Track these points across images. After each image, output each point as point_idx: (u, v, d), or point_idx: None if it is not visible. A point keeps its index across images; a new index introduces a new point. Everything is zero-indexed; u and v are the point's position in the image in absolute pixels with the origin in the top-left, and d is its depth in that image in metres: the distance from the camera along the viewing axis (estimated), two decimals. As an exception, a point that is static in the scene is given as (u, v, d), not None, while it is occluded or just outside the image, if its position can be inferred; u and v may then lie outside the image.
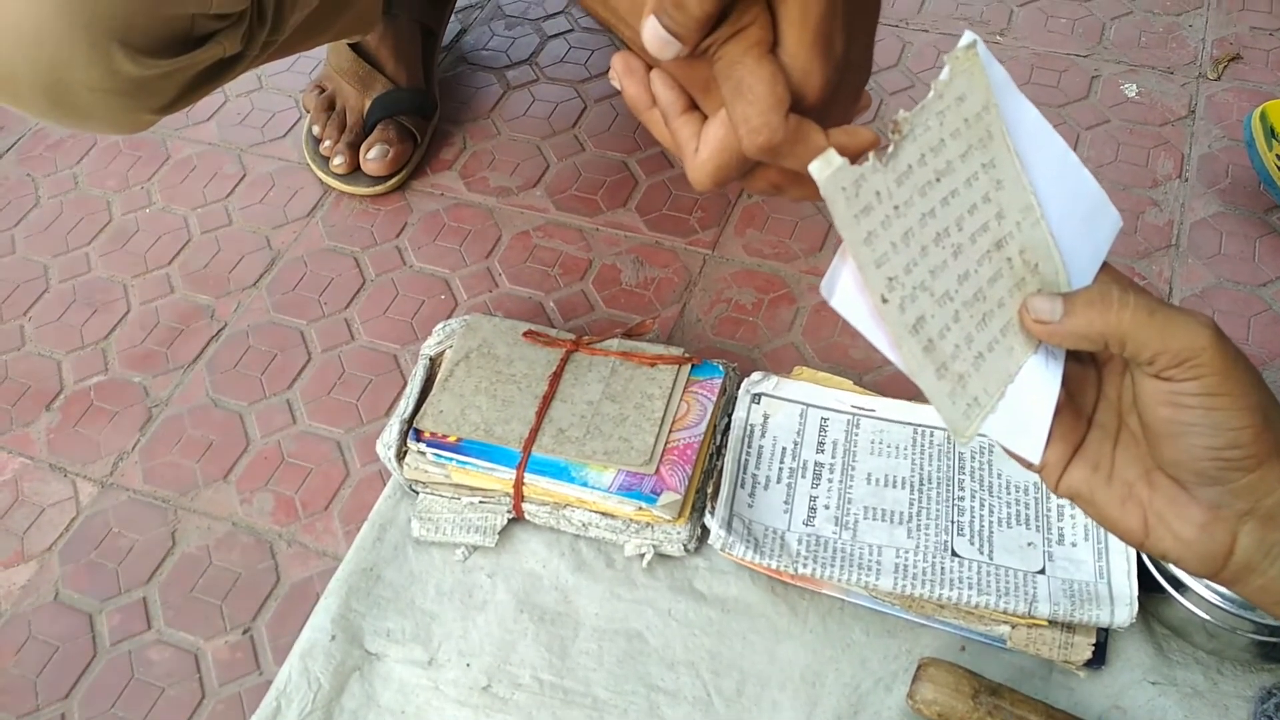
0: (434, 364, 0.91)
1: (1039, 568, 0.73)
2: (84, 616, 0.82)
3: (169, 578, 0.84)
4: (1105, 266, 0.49)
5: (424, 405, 0.86)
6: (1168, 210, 1.02)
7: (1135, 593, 0.70)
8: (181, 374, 0.97)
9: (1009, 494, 0.77)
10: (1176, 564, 0.46)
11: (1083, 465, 0.47)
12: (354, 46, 1.13)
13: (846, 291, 0.43)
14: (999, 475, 0.79)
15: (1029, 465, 0.48)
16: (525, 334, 0.90)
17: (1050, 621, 0.71)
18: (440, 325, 0.92)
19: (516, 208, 1.09)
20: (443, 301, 1.02)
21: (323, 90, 1.15)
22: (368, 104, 1.12)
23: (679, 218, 1.06)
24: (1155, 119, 1.10)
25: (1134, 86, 1.14)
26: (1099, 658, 0.71)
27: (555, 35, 1.27)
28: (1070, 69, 1.16)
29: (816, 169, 0.41)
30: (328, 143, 1.12)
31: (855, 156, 0.45)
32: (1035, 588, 0.71)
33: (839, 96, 0.48)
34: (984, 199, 0.46)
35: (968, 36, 0.45)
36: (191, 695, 0.78)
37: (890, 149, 0.43)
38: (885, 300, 0.43)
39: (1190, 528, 0.44)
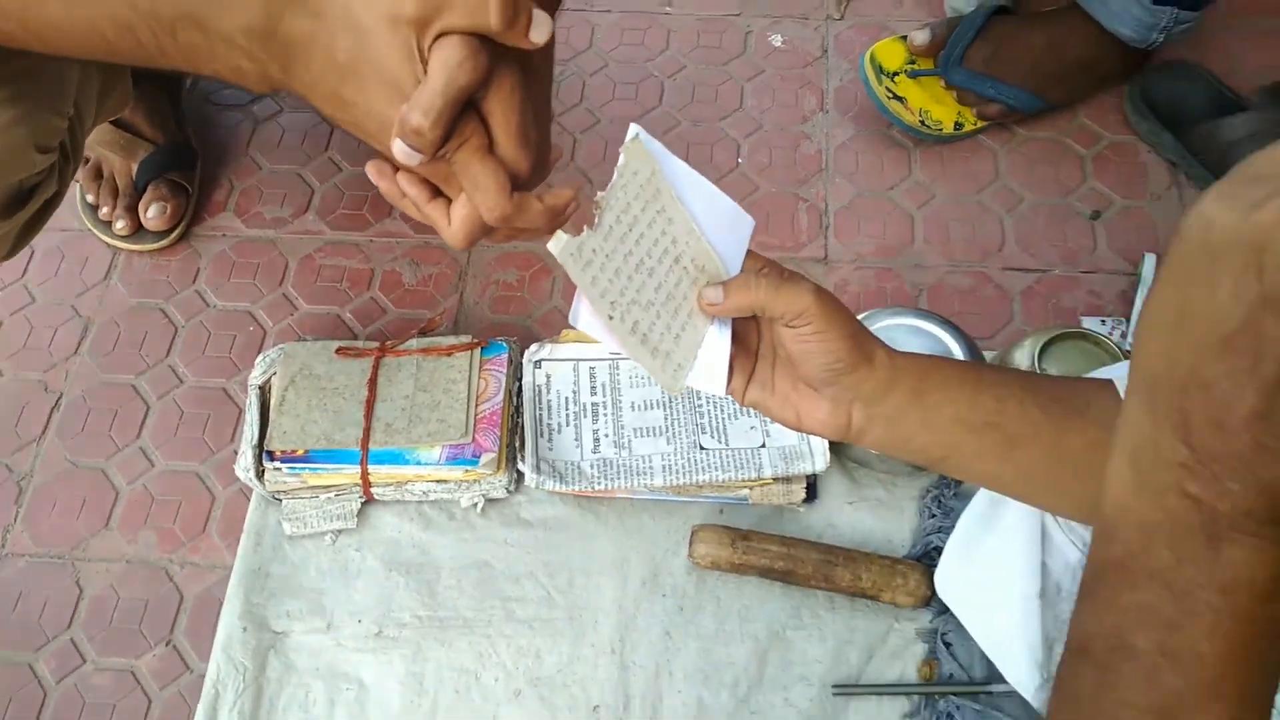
0: (264, 391, 1.08)
1: (760, 444, 1.00)
2: (24, 667, 0.98)
3: (87, 618, 1.00)
4: (750, 255, 0.73)
5: (268, 429, 1.04)
6: (817, 140, 1.30)
7: (827, 444, 0.99)
8: (35, 446, 1.11)
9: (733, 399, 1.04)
10: (819, 435, 0.73)
11: (755, 386, 0.73)
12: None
13: (586, 317, 0.66)
14: (725, 381, 1.05)
15: (722, 393, 0.72)
16: (337, 351, 1.09)
17: (774, 479, 0.99)
18: (260, 357, 1.10)
19: (295, 235, 1.25)
20: (252, 333, 1.18)
21: (88, 160, 1.26)
22: (135, 168, 1.24)
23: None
24: (799, 63, 1.37)
25: (779, 36, 1.40)
26: (811, 495, 1.00)
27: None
28: (728, 29, 1.41)
29: (552, 245, 0.63)
30: (105, 209, 1.24)
31: (562, 209, 0.66)
32: (760, 458, 0.99)
33: (539, 166, 0.70)
34: (662, 233, 0.69)
35: (632, 130, 0.67)
36: (139, 703, 0.96)
37: (596, 218, 0.65)
38: (611, 318, 0.66)
39: (822, 413, 0.70)
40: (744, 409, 1.03)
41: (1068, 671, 0.50)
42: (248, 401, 1.07)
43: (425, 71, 0.59)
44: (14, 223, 0.84)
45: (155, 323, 1.19)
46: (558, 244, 0.63)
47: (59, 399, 1.14)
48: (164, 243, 1.24)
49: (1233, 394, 0.40)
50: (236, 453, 1.05)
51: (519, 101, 0.63)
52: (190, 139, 1.30)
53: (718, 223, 0.72)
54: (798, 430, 0.73)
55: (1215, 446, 0.41)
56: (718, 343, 0.71)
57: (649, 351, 0.68)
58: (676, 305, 0.70)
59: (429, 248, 1.23)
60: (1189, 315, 0.41)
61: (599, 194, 0.65)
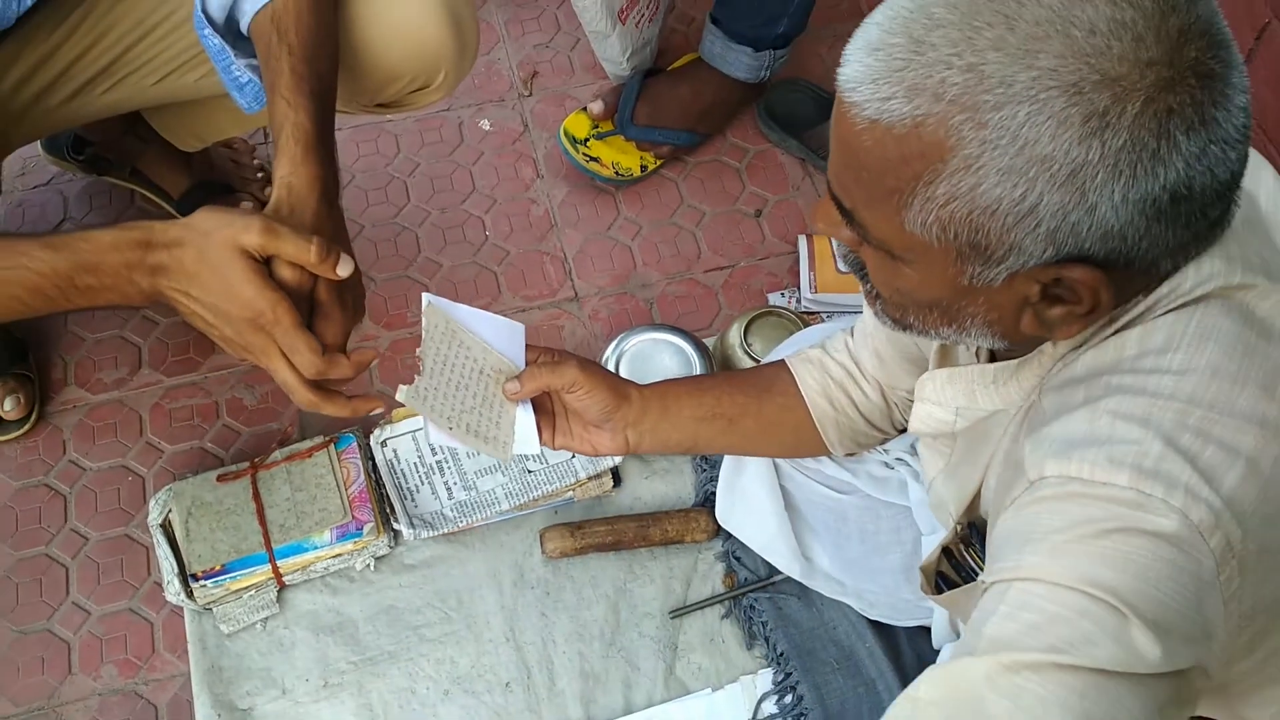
0: (166, 528, 1.32)
1: (571, 456, 1.34)
2: (48, 804, 1.20)
3: (83, 750, 1.24)
4: (529, 348, 1.05)
5: (184, 557, 1.28)
6: (542, 203, 1.63)
7: (618, 444, 1.34)
8: (-23, 630, 1.31)
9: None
10: (611, 456, 1.07)
11: (559, 436, 1.05)
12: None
13: (433, 434, 0.96)
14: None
15: (538, 451, 1.05)
16: (218, 479, 1.34)
17: (588, 478, 1.33)
18: (152, 501, 1.33)
19: (137, 390, 1.47)
20: (131, 482, 1.41)
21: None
22: (-26, 373, 1.43)
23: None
24: (508, 140, 1.69)
25: (486, 121, 1.72)
26: (617, 481, 1.35)
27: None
28: (443, 123, 1.71)
29: (399, 395, 0.92)
30: (-38, 416, 1.42)
31: (367, 364, 0.96)
32: (575, 466, 1.33)
33: (346, 328, 0.98)
34: (466, 359, 1.00)
35: (425, 298, 0.97)
36: (155, 798, 1.21)
37: (421, 367, 0.95)
38: (451, 429, 0.96)
39: (608, 442, 1.04)
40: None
41: None
42: (154, 540, 1.31)
43: (258, 267, 0.88)
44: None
45: (43, 497, 1.40)
46: (403, 393, 0.93)
47: (-17, 586, 1.33)
48: (25, 428, 1.43)
49: None
50: (158, 584, 1.29)
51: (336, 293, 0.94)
52: (11, 332, 1.49)
53: (500, 337, 1.03)
54: (595, 456, 1.08)
55: None
56: (525, 418, 1.03)
57: (483, 441, 0.99)
58: (490, 402, 1.00)
59: (260, 371, 1.48)
60: None
61: (418, 350, 0.95)
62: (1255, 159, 0.73)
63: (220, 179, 1.57)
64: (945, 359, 0.84)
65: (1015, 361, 0.74)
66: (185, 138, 1.45)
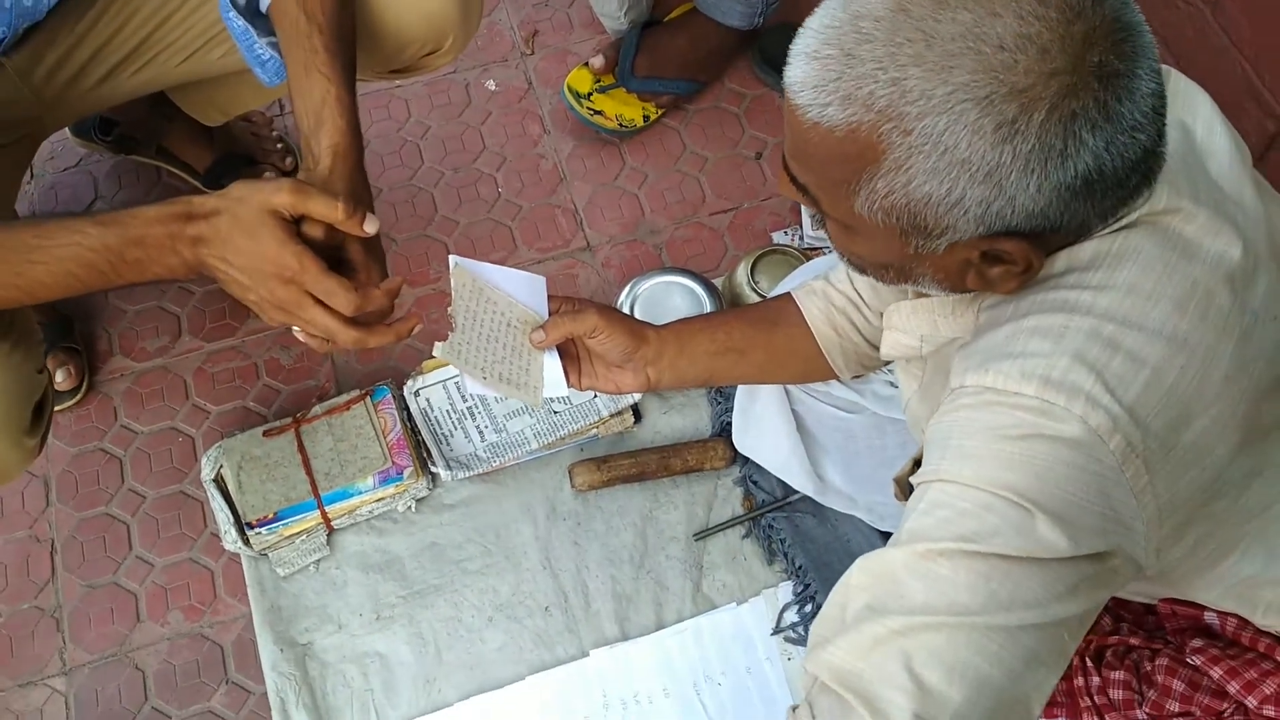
0: (219, 482, 1.41)
1: (593, 396, 1.42)
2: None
3: (157, 689, 1.33)
4: (551, 299, 1.12)
5: (238, 507, 1.37)
6: (550, 158, 1.70)
7: (637, 381, 1.42)
8: (51, 586, 1.40)
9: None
10: (634, 393, 1.15)
11: (585, 378, 1.13)
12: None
13: (471, 384, 1.04)
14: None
15: (566, 393, 1.13)
16: (264, 434, 1.43)
17: (610, 416, 1.41)
18: (203, 458, 1.42)
19: (180, 356, 1.56)
20: (181, 443, 1.50)
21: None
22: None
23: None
24: (514, 99, 1.76)
25: (492, 81, 1.78)
26: (638, 417, 1.44)
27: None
28: (451, 86, 1.78)
29: (436, 350, 1.00)
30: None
31: (396, 290, 1.00)
32: (597, 405, 1.41)
33: (376, 281, 1.05)
34: (493, 313, 1.07)
35: (452, 260, 1.05)
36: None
37: (453, 323, 1.02)
38: (485, 378, 1.04)
39: (630, 381, 1.12)
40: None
41: None
42: (209, 494, 1.40)
43: (289, 228, 0.95)
44: (40, 431, 1.15)
45: (100, 461, 1.49)
46: (439, 349, 1.01)
47: (53, 544, 1.43)
48: (78, 398, 1.52)
49: None
50: (215, 535, 1.39)
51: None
52: (58, 309, 1.57)
53: (523, 290, 1.10)
54: (619, 395, 1.16)
55: None
56: (552, 364, 1.11)
57: (515, 388, 1.07)
58: (519, 352, 1.08)
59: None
60: None
61: (449, 309, 1.03)
62: (1191, 91, 0.79)
63: (242, 151, 1.64)
64: (919, 292, 0.92)
65: (971, 294, 0.81)
66: (209, 112, 1.52)
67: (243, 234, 0.96)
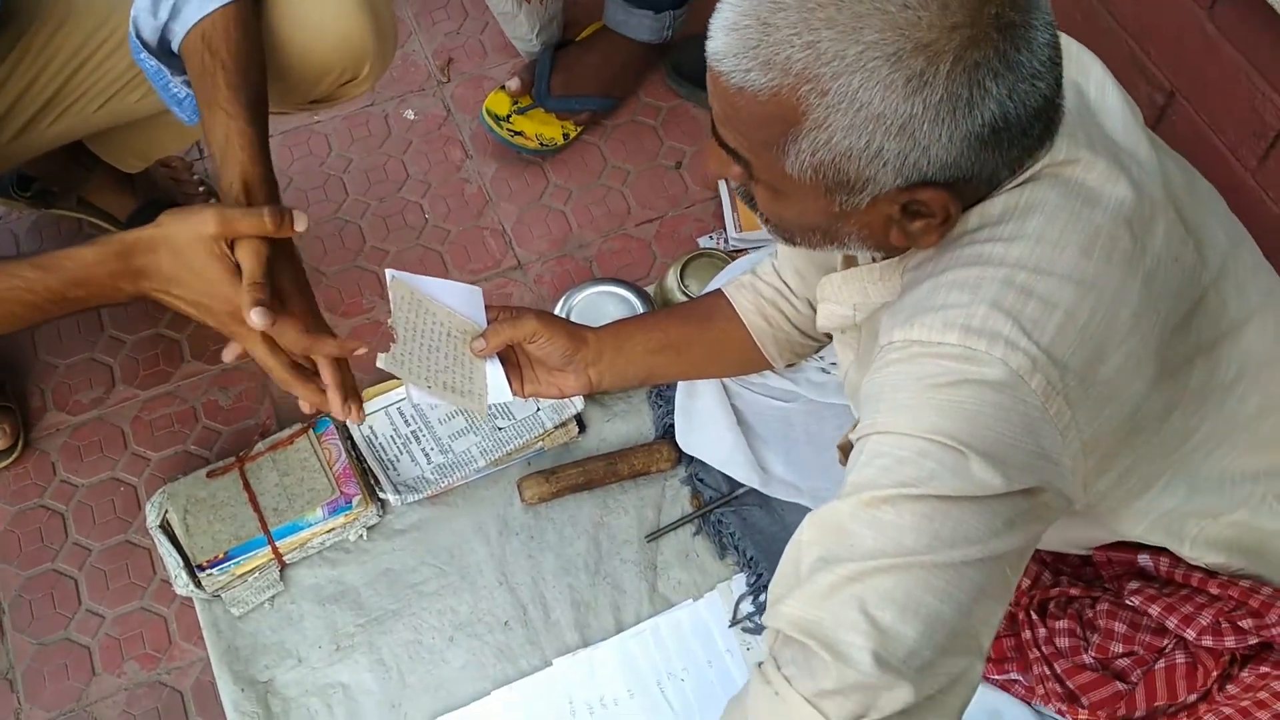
0: (165, 527, 1.40)
1: (535, 409, 1.44)
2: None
3: (119, 741, 1.32)
4: (489, 309, 1.14)
5: (187, 550, 1.36)
6: (474, 181, 1.72)
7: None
8: (2, 646, 1.38)
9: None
10: (577, 396, 1.17)
11: (528, 384, 1.15)
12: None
13: (415, 394, 1.05)
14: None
15: (510, 399, 1.15)
16: (207, 475, 1.42)
17: (554, 427, 1.43)
18: (148, 505, 1.41)
19: (115, 406, 1.54)
20: (124, 492, 1.48)
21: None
22: (-42, 410, 1.49)
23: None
24: (434, 126, 1.78)
25: (410, 111, 1.80)
26: (582, 427, 1.46)
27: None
28: (369, 118, 1.79)
29: (380, 360, 1.02)
30: (-49, 453, 1.49)
31: (349, 351, 1.04)
32: (540, 419, 1.43)
33: (312, 309, 1.07)
34: (434, 322, 1.09)
35: (389, 274, 1.06)
36: (194, 773, 1.30)
37: (394, 335, 1.04)
38: (430, 388, 1.06)
39: (572, 383, 1.14)
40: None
41: None
42: (156, 540, 1.38)
43: (229, 262, 0.96)
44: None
45: (42, 517, 1.46)
46: (382, 360, 1.02)
47: (0, 605, 1.41)
48: (14, 456, 1.50)
49: None
50: (165, 581, 1.37)
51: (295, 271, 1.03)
52: (-9, 366, 1.55)
53: (460, 300, 1.12)
54: (563, 399, 1.18)
55: None
56: (494, 371, 1.13)
57: (459, 395, 1.09)
58: (461, 360, 1.10)
59: (228, 373, 1.56)
60: None
61: (389, 320, 1.04)
62: (1083, 54, 0.85)
63: (164, 197, 1.64)
64: (849, 264, 0.96)
65: (897, 258, 0.86)
66: (128, 159, 1.52)
67: (188, 272, 0.97)
